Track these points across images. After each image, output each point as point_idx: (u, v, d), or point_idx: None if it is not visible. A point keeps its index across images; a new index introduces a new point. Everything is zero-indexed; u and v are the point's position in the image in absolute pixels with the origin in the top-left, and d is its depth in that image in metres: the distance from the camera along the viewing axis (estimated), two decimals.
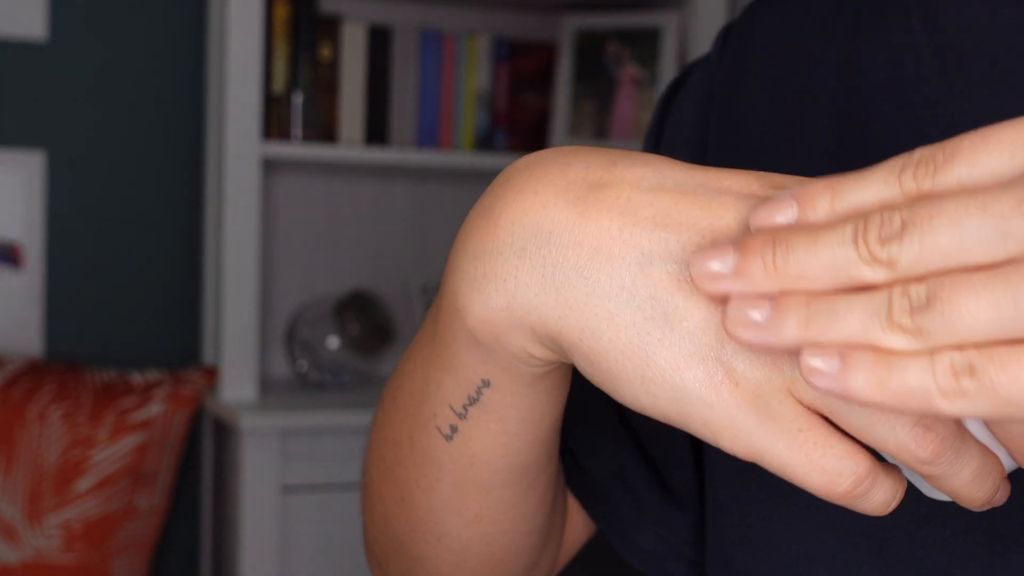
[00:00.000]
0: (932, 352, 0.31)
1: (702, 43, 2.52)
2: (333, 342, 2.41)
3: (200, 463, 2.53)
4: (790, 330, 0.33)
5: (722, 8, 2.52)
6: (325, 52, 2.44)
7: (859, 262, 0.32)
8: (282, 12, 2.39)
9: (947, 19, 0.52)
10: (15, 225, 2.40)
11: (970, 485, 0.36)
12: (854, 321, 0.32)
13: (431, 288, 2.64)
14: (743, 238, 0.34)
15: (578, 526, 0.66)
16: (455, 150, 2.53)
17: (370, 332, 2.43)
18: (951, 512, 0.48)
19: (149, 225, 2.50)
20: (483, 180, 2.71)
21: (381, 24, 2.56)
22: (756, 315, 0.34)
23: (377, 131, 2.49)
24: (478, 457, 0.50)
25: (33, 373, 2.24)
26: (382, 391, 0.55)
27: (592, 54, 2.59)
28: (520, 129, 2.64)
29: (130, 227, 2.49)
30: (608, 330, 0.38)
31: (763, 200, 0.37)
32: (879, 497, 0.36)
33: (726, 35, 0.63)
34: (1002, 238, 0.30)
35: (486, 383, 0.46)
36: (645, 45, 2.55)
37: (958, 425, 0.35)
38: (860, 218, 0.32)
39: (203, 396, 2.37)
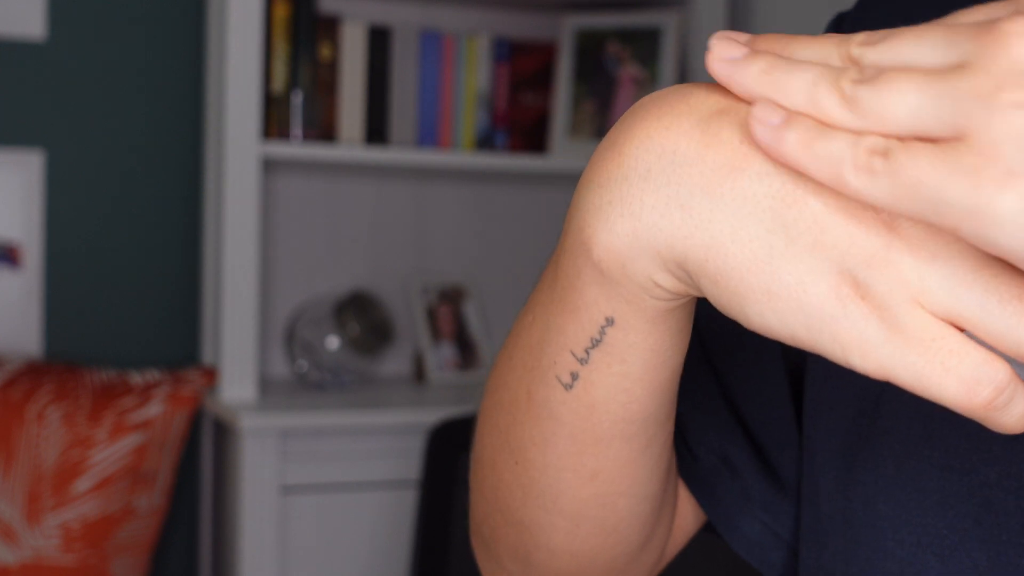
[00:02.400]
0: (860, 132, 0.33)
1: (702, 43, 2.52)
2: (333, 342, 2.41)
3: (200, 463, 2.53)
4: (752, 74, 0.36)
5: (722, 8, 2.52)
6: (325, 52, 2.44)
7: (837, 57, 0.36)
8: (282, 12, 2.39)
9: None
10: (14, 225, 2.40)
11: None
12: (808, 76, 0.35)
13: (431, 288, 2.64)
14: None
15: (688, 516, 0.66)
16: (455, 150, 2.53)
17: (370, 332, 2.42)
18: None
19: (149, 225, 2.50)
20: (483, 180, 2.71)
21: (381, 24, 2.56)
22: (735, 52, 0.37)
23: (377, 131, 2.49)
24: (598, 406, 0.49)
25: (32, 373, 2.24)
26: (495, 363, 0.55)
27: (592, 54, 2.58)
28: (520, 129, 2.64)
29: (130, 227, 2.48)
30: (732, 245, 0.38)
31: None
32: (1019, 408, 0.35)
33: (838, 26, 0.64)
34: (950, 46, 0.33)
35: (610, 321, 0.45)
36: (645, 45, 2.55)
37: None
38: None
39: (203, 396, 2.37)
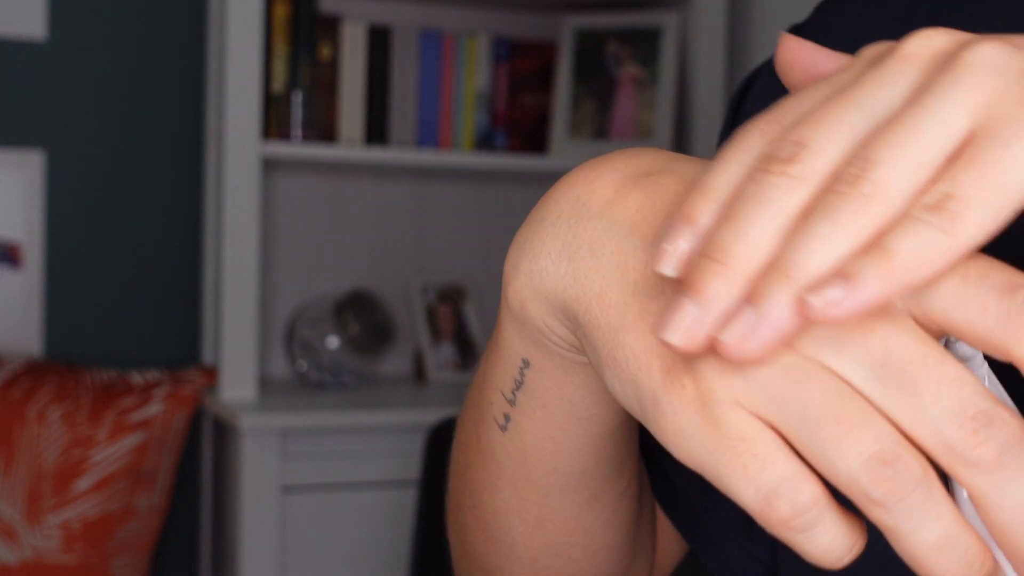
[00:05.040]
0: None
1: (702, 43, 2.52)
2: (333, 342, 2.41)
3: (200, 463, 2.53)
4: (774, 298, 0.31)
5: (722, 8, 2.52)
6: (325, 52, 2.44)
7: (775, 186, 0.32)
8: (282, 12, 2.39)
9: None
10: (15, 225, 2.40)
11: (934, 553, 0.30)
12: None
13: (431, 288, 2.64)
14: (681, 279, 0.34)
15: (672, 544, 0.65)
16: (455, 150, 2.53)
17: (370, 332, 2.43)
18: None
19: (149, 225, 2.50)
20: (483, 180, 2.71)
21: (381, 24, 2.56)
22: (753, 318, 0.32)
23: (377, 131, 2.49)
24: (530, 452, 0.50)
25: (32, 373, 2.24)
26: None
27: (592, 54, 2.58)
28: (520, 129, 2.64)
29: (130, 227, 2.49)
30: (596, 305, 0.37)
31: None
32: (825, 539, 0.31)
33: (796, 34, 0.63)
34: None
35: (526, 363, 0.46)
36: (645, 45, 2.55)
37: (925, 470, 0.30)
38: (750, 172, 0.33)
39: (203, 396, 2.37)
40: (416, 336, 2.65)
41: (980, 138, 0.31)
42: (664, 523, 0.65)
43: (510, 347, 0.46)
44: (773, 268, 0.31)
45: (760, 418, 0.32)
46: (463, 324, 2.64)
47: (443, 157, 2.40)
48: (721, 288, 0.32)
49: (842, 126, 0.32)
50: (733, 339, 0.31)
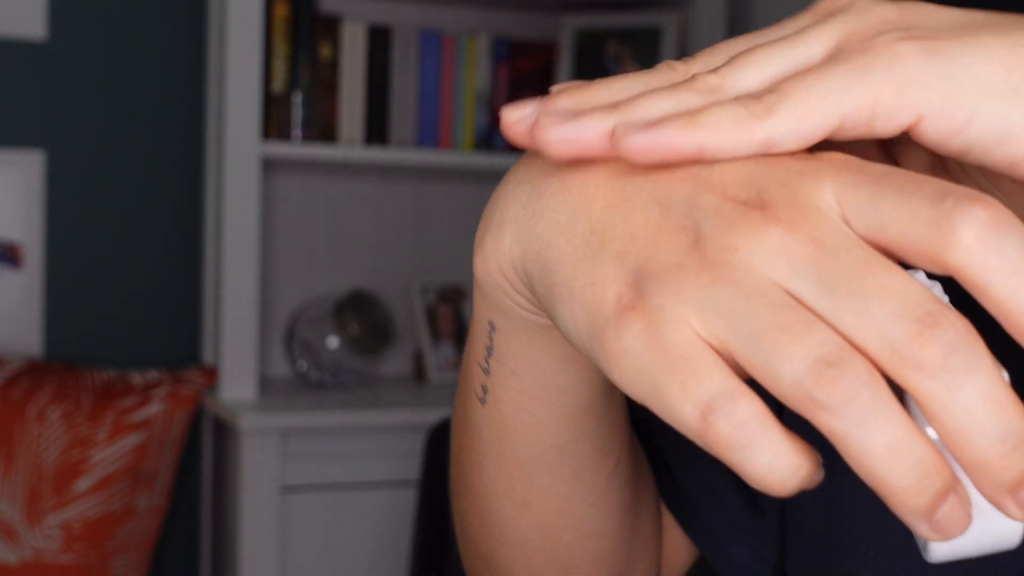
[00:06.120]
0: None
1: (702, 43, 2.52)
2: (333, 342, 2.41)
3: (200, 463, 2.53)
4: (597, 118, 0.36)
5: (722, 8, 2.52)
6: (325, 52, 2.44)
7: (660, 82, 0.37)
8: (282, 12, 2.39)
9: None
10: (15, 225, 2.40)
11: (885, 459, 0.29)
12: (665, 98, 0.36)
13: (431, 288, 2.64)
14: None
15: (681, 544, 0.65)
16: (455, 150, 2.53)
17: (370, 332, 2.43)
18: None
19: (149, 225, 2.50)
20: (483, 180, 2.71)
21: (381, 24, 2.56)
22: (523, 111, 0.37)
23: (377, 131, 2.49)
24: (508, 424, 0.50)
25: (32, 373, 2.24)
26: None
27: (592, 54, 2.58)
28: None
29: (130, 227, 2.49)
30: (560, 237, 0.37)
31: None
32: (764, 457, 0.30)
33: None
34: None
35: (492, 326, 0.46)
36: (645, 45, 2.55)
37: (872, 373, 0.30)
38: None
39: (203, 396, 2.37)
40: (416, 336, 2.65)
41: (820, 62, 0.35)
42: (672, 523, 0.65)
43: (479, 313, 0.47)
44: (607, 104, 0.36)
45: (710, 338, 0.32)
46: (463, 324, 2.64)
47: (443, 157, 2.40)
48: (565, 100, 0.37)
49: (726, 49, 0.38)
50: (542, 123, 0.36)
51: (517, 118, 0.37)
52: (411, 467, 2.28)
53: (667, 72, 0.38)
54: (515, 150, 2.64)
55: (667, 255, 0.33)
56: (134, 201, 2.49)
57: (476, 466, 0.54)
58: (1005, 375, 0.30)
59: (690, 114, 0.34)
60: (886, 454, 0.29)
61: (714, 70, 0.36)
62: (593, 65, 2.58)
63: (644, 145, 0.34)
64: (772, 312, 0.31)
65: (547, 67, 2.67)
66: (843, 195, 0.32)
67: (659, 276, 0.33)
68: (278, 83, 2.39)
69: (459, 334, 2.63)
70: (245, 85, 2.24)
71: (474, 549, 0.59)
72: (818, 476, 0.31)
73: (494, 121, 2.60)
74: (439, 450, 2.02)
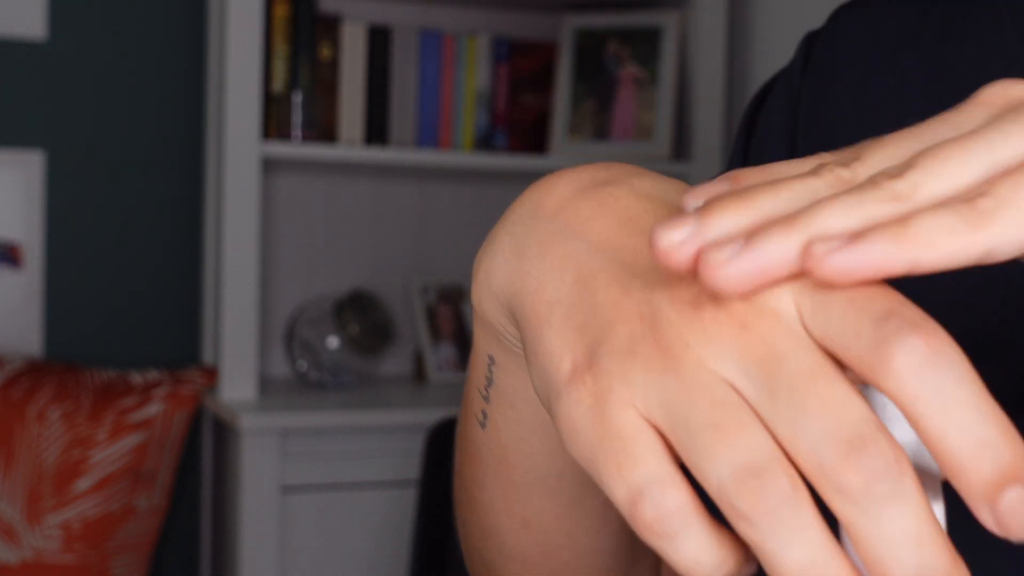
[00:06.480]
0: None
1: (702, 43, 2.52)
2: (333, 342, 2.41)
3: (200, 463, 2.53)
4: (776, 241, 0.30)
5: (722, 8, 2.52)
6: (325, 52, 2.44)
7: (819, 177, 0.32)
8: (282, 12, 2.39)
9: None
10: (15, 225, 2.40)
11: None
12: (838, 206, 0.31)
13: (431, 288, 2.65)
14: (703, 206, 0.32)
15: None
16: (455, 150, 2.53)
17: (370, 332, 2.43)
18: None
19: (149, 225, 2.50)
20: (483, 180, 2.71)
21: (381, 24, 2.56)
22: (729, 251, 0.31)
23: (377, 131, 2.49)
24: (507, 451, 0.51)
25: (32, 373, 2.24)
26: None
27: (592, 54, 2.58)
28: (520, 129, 2.64)
29: (130, 227, 2.49)
30: (531, 300, 0.38)
31: None
32: (689, 549, 0.31)
33: (809, 44, 0.63)
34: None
35: (492, 360, 0.47)
36: (645, 45, 2.55)
37: (796, 487, 0.29)
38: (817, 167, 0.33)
39: (203, 396, 2.37)
40: (416, 336, 2.65)
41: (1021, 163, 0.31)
42: None
43: (479, 345, 0.47)
44: (783, 218, 0.31)
45: (650, 422, 0.32)
46: (463, 324, 2.64)
47: (443, 157, 2.40)
48: (728, 217, 0.31)
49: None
50: (715, 260, 0.30)
51: (672, 244, 0.32)
52: (411, 467, 2.28)
53: (833, 175, 0.32)
54: (515, 150, 2.64)
55: (623, 337, 0.33)
56: (134, 201, 2.49)
57: (477, 483, 0.54)
58: (939, 508, 0.30)
59: (897, 227, 0.30)
60: (797, 572, 0.29)
61: (898, 174, 0.31)
62: (593, 65, 2.58)
63: (848, 264, 0.29)
64: (711, 410, 0.31)
65: (547, 67, 2.67)
66: (800, 299, 0.31)
67: (611, 355, 0.33)
68: (278, 83, 2.39)
69: (459, 334, 2.63)
70: (245, 85, 2.24)
71: (476, 556, 0.59)
72: (746, 570, 0.31)
73: (494, 121, 2.60)
74: (439, 450, 2.02)
